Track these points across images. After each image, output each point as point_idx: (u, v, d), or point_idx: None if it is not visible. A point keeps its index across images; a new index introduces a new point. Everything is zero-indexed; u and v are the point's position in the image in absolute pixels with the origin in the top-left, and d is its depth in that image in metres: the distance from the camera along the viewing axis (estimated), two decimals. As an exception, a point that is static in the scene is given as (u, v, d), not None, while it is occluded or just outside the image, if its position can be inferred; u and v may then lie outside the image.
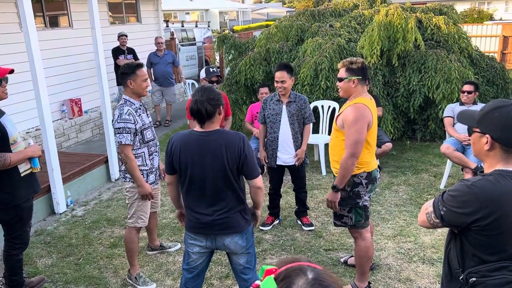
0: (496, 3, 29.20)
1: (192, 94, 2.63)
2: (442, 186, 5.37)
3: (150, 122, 3.56)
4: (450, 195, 1.76)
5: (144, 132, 3.46)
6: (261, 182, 2.65)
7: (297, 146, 4.32)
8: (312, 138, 5.65)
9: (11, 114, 3.42)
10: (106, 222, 4.79)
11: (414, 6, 8.17)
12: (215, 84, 4.35)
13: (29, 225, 3.39)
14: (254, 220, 2.85)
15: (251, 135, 5.79)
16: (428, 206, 1.87)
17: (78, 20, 7.99)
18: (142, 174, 3.50)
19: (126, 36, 8.35)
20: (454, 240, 1.85)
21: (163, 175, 3.78)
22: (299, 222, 4.58)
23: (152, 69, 8.73)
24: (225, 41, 8.52)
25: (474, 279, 1.74)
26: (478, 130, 1.78)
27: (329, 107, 6.20)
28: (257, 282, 0.95)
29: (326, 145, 5.96)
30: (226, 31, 12.18)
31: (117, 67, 8.17)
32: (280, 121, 4.28)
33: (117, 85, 8.28)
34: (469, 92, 5.27)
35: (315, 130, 6.24)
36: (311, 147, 6.25)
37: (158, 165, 3.68)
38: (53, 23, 7.73)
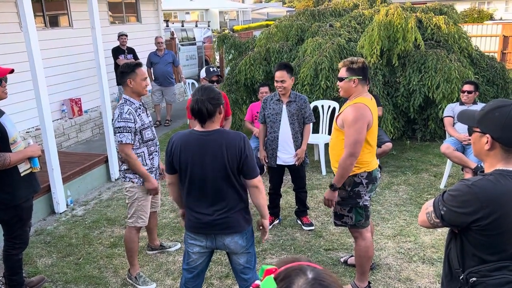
0: (496, 3, 29.20)
1: (192, 93, 2.63)
2: (442, 186, 5.37)
3: (150, 122, 3.55)
4: (451, 194, 1.76)
5: (143, 132, 3.45)
6: (259, 181, 2.64)
7: (297, 146, 4.32)
8: (312, 138, 5.65)
9: (11, 114, 3.42)
10: (106, 222, 4.79)
11: (414, 6, 8.17)
12: (215, 83, 4.35)
13: (29, 225, 3.39)
14: (262, 233, 2.81)
15: (251, 135, 5.79)
16: (428, 206, 1.87)
17: (78, 19, 7.99)
18: None
19: (126, 35, 8.35)
20: (454, 240, 1.85)
21: (163, 175, 3.78)
22: (299, 222, 4.58)
23: (152, 68, 8.73)
24: (225, 41, 8.52)
25: (474, 279, 1.74)
26: (478, 130, 1.78)
27: (329, 107, 6.20)
28: (257, 282, 0.95)
29: (326, 145, 5.96)
30: (226, 31, 12.17)
31: (117, 66, 8.16)
32: (280, 120, 4.28)
33: (117, 84, 8.27)
34: (469, 92, 5.26)
35: (315, 130, 6.24)
36: (311, 147, 6.25)
37: (158, 165, 3.68)
38: (53, 22, 7.73)
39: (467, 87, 5.30)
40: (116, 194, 5.52)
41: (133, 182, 3.50)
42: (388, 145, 5.45)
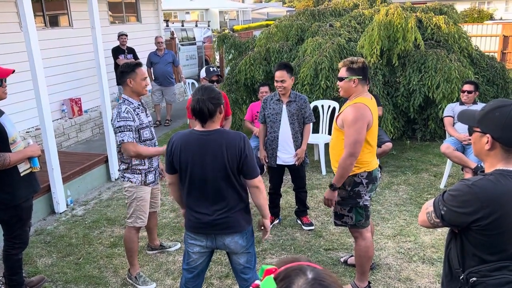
0: (496, 3, 29.20)
1: (193, 93, 2.63)
2: (442, 186, 5.37)
3: (149, 121, 3.55)
4: (451, 194, 1.76)
5: (141, 131, 3.45)
6: (259, 182, 2.64)
7: (297, 146, 4.32)
8: (312, 138, 5.65)
9: (11, 114, 3.42)
10: (106, 222, 4.79)
11: (414, 5, 8.17)
12: (215, 83, 4.34)
13: (29, 224, 3.39)
14: (264, 233, 2.82)
15: (251, 134, 5.79)
16: (428, 206, 1.87)
17: (78, 19, 7.99)
18: (140, 174, 3.50)
19: (126, 35, 8.35)
20: (454, 239, 1.85)
21: (162, 175, 3.78)
22: (299, 222, 4.57)
23: (152, 68, 8.73)
24: (225, 41, 8.51)
25: (474, 278, 1.74)
26: (478, 129, 1.78)
27: (329, 106, 6.19)
28: (257, 282, 0.95)
29: (326, 145, 5.96)
30: (226, 31, 12.17)
31: (117, 66, 8.16)
32: (280, 120, 4.27)
33: (117, 84, 8.26)
34: (469, 92, 5.26)
35: (315, 130, 6.24)
36: (311, 147, 6.25)
37: (158, 165, 3.68)
38: (53, 22, 7.73)
39: (467, 87, 5.30)
40: (116, 194, 5.52)
41: (131, 182, 3.49)
42: (388, 145, 5.45)
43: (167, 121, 9.05)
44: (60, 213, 5.03)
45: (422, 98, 6.44)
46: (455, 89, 6.14)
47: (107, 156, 5.93)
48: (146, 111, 3.56)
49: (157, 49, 8.70)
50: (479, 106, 5.06)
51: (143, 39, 9.77)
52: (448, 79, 6.23)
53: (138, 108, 3.46)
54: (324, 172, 5.94)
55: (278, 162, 4.39)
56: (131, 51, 8.44)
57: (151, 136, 3.55)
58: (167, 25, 13.36)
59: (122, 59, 8.09)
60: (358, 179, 3.15)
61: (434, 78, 6.32)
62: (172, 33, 12.32)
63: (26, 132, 6.78)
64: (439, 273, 3.59)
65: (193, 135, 2.58)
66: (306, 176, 4.69)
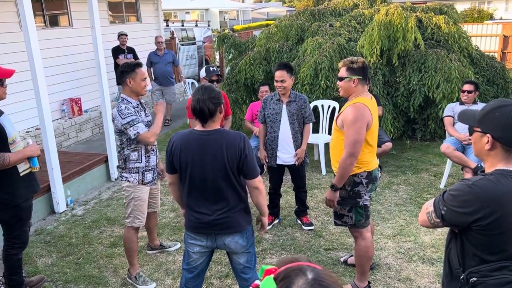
0: (496, 3, 29.20)
1: (193, 93, 2.63)
2: (442, 186, 5.36)
3: (149, 121, 3.55)
4: (451, 194, 1.76)
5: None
6: (259, 182, 2.64)
7: (297, 146, 4.32)
8: (312, 138, 5.65)
9: (11, 114, 3.42)
10: (106, 222, 4.79)
11: (414, 5, 8.16)
12: (215, 83, 4.34)
13: (29, 224, 3.39)
14: (261, 229, 2.85)
15: (251, 134, 5.79)
16: (428, 206, 1.87)
17: (78, 19, 7.99)
18: (137, 173, 3.50)
19: (126, 35, 8.35)
20: (454, 239, 1.85)
21: (162, 175, 3.78)
22: (299, 222, 4.57)
23: (152, 68, 8.72)
24: (225, 41, 8.51)
25: (474, 278, 1.74)
26: (479, 129, 1.78)
27: (329, 106, 6.19)
28: (257, 282, 0.95)
29: (326, 145, 5.96)
30: (226, 31, 12.17)
31: (117, 66, 8.16)
32: (280, 120, 4.27)
33: (117, 84, 8.25)
34: (469, 92, 5.26)
35: (315, 130, 6.24)
36: (311, 147, 6.25)
37: (156, 165, 3.66)
38: (53, 22, 7.72)
39: (467, 87, 5.30)
40: (116, 194, 5.52)
41: (129, 182, 3.49)
42: (388, 144, 5.45)
43: (167, 121, 9.05)
44: (60, 213, 5.03)
45: (422, 98, 6.44)
46: (455, 89, 6.14)
47: (107, 156, 5.93)
48: (145, 111, 3.56)
49: (157, 49, 8.69)
50: (479, 106, 5.06)
51: (143, 39, 9.77)
52: (448, 79, 6.23)
53: (137, 107, 3.47)
54: (324, 172, 5.94)
55: (278, 162, 4.38)
56: (131, 51, 8.44)
57: None
58: (167, 25, 13.36)
59: (122, 59, 8.09)
60: (358, 179, 3.15)
61: (434, 78, 6.32)
62: (172, 33, 12.32)
63: (26, 132, 6.77)
64: (439, 273, 3.59)
65: (193, 135, 2.58)
66: (306, 176, 4.69)
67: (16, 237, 3.28)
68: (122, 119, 3.32)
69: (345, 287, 3.40)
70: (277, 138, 4.32)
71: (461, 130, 5.13)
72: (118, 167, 3.58)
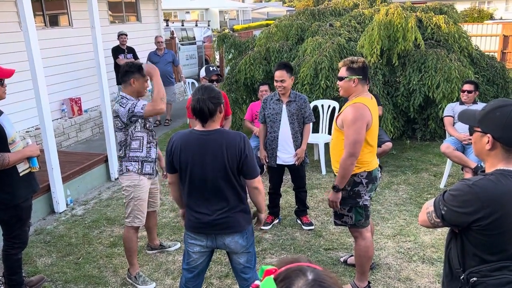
0: (496, 3, 29.19)
1: (193, 93, 2.63)
2: (442, 186, 5.36)
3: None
4: (451, 194, 1.76)
5: (146, 120, 3.50)
6: (259, 183, 2.64)
7: (297, 146, 4.32)
8: (312, 138, 5.64)
9: (10, 113, 3.42)
10: (105, 221, 4.79)
11: (414, 5, 8.16)
12: (215, 82, 4.35)
13: (28, 224, 3.39)
14: (257, 223, 2.88)
15: (251, 134, 5.79)
16: (428, 206, 1.86)
17: (78, 19, 7.98)
18: (137, 162, 3.50)
19: (126, 35, 8.34)
20: (454, 239, 1.84)
21: (165, 174, 3.78)
22: (299, 222, 4.57)
23: (152, 68, 8.70)
24: (225, 40, 8.51)
25: (475, 278, 1.74)
26: (479, 129, 1.78)
27: (329, 106, 6.19)
28: (257, 282, 0.95)
29: (326, 145, 5.96)
30: (226, 30, 12.18)
31: (117, 66, 8.16)
32: (280, 120, 4.27)
33: (117, 84, 8.27)
34: (469, 92, 5.26)
35: (315, 130, 6.24)
36: (311, 147, 6.24)
37: (155, 159, 3.66)
38: (53, 22, 7.72)
39: (467, 87, 5.30)
40: (116, 194, 5.52)
41: (128, 170, 3.48)
42: (388, 144, 5.44)
43: (167, 121, 9.05)
44: (60, 213, 5.03)
45: (422, 98, 6.44)
46: (455, 89, 6.14)
47: (107, 156, 5.93)
48: None
49: (157, 48, 8.69)
50: (479, 105, 5.06)
51: (143, 39, 9.76)
52: (448, 78, 6.23)
53: None
54: (324, 171, 5.94)
55: (278, 162, 4.38)
56: (131, 50, 8.44)
57: (151, 128, 3.60)
58: (167, 25, 13.36)
59: (122, 59, 8.08)
60: (358, 179, 3.15)
61: (434, 77, 6.32)
62: (172, 33, 12.32)
63: (26, 132, 6.77)
64: (439, 273, 3.59)
65: (193, 135, 2.58)
66: (306, 175, 4.68)
67: (15, 237, 3.28)
68: (124, 107, 3.35)
69: (345, 287, 3.40)
70: (277, 138, 4.31)
71: (461, 130, 5.13)
72: (119, 157, 3.58)
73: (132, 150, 3.48)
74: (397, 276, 3.64)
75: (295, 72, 6.26)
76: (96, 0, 5.53)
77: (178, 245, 4.21)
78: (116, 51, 8.26)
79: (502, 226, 1.68)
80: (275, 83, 4.21)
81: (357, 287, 3.38)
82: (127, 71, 3.43)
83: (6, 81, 3.20)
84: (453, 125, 5.32)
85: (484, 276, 1.73)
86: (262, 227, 4.44)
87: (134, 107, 3.34)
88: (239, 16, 40.84)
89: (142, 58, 8.56)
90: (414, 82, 6.46)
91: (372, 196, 3.41)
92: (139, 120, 3.43)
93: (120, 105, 3.38)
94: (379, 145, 5.14)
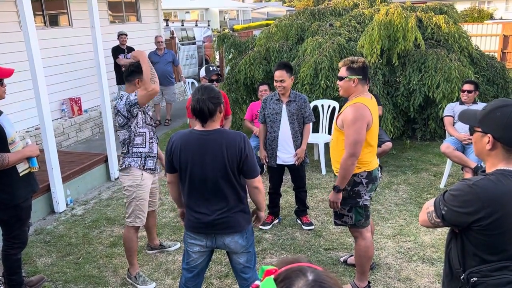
0: (496, 2, 29.19)
1: (192, 93, 2.63)
2: (442, 186, 5.36)
3: (151, 118, 3.64)
4: (452, 194, 1.76)
5: (146, 115, 3.53)
6: (259, 182, 2.65)
7: (297, 146, 4.31)
8: (312, 138, 5.64)
9: (10, 113, 3.42)
10: (105, 221, 4.78)
11: (414, 5, 8.16)
12: (215, 82, 4.34)
13: (28, 224, 3.39)
14: (256, 221, 2.88)
15: (251, 134, 5.79)
16: (429, 206, 1.86)
17: (78, 19, 7.98)
18: (140, 157, 3.52)
19: (126, 35, 8.34)
20: (455, 239, 1.84)
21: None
22: (299, 222, 4.57)
23: (152, 68, 8.70)
24: (225, 40, 8.51)
25: (475, 278, 1.74)
26: (480, 129, 1.78)
27: (329, 106, 6.19)
28: (257, 282, 0.95)
29: (326, 144, 5.96)
30: (226, 30, 12.19)
31: (117, 66, 8.17)
32: (280, 120, 4.27)
33: (117, 84, 8.27)
34: (469, 92, 5.26)
35: (315, 129, 6.23)
36: (311, 146, 6.24)
37: (157, 154, 3.68)
38: (53, 22, 7.72)
39: (467, 87, 5.30)
40: (116, 194, 5.52)
41: (130, 166, 3.48)
42: (388, 144, 5.44)
43: (167, 121, 9.05)
44: (60, 213, 5.03)
45: (422, 98, 6.44)
46: (455, 89, 6.14)
47: (106, 156, 5.93)
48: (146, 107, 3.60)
49: (157, 48, 8.69)
50: (479, 105, 5.06)
51: (143, 39, 9.76)
52: (448, 78, 6.23)
53: None
54: (324, 171, 5.94)
55: (278, 162, 4.38)
56: (131, 50, 8.41)
57: (153, 123, 3.63)
58: (167, 25, 13.35)
59: (122, 59, 8.08)
60: (358, 178, 3.14)
61: (434, 77, 6.31)
62: (172, 33, 12.31)
63: (26, 132, 6.77)
64: (439, 272, 3.59)
65: (193, 135, 2.58)
66: (306, 175, 4.68)
67: (15, 237, 3.28)
68: (122, 101, 3.39)
69: (345, 287, 3.40)
70: (277, 138, 4.31)
71: (461, 130, 5.13)
72: (121, 153, 3.59)
73: (135, 146, 3.50)
74: (397, 276, 3.64)
75: (295, 72, 6.26)
76: (96, 0, 5.53)
77: (178, 245, 4.21)
78: (116, 51, 8.26)
79: (503, 226, 1.68)
80: (275, 83, 4.21)
81: (357, 287, 3.37)
82: (133, 71, 3.44)
83: (6, 81, 3.20)
84: (453, 125, 5.32)
85: (484, 276, 1.73)
86: (262, 227, 4.44)
87: (130, 97, 3.37)
88: (239, 16, 40.83)
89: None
90: (414, 82, 6.45)
91: (372, 196, 3.41)
92: (140, 115, 3.43)
93: (119, 101, 3.42)
94: (379, 145, 5.13)
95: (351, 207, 3.20)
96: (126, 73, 3.49)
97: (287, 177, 4.98)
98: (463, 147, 5.07)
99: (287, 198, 5.12)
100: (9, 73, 3.13)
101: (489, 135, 1.74)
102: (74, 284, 3.68)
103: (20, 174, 3.16)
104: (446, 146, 5.04)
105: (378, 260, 3.84)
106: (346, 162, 3.02)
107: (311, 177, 5.79)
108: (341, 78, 3.13)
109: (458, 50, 6.95)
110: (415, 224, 4.42)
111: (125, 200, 3.61)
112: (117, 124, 3.51)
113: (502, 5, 29.04)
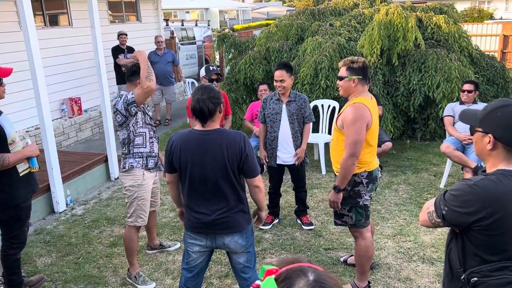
0: (496, 2, 29.19)
1: (192, 93, 2.62)
2: (442, 185, 5.36)
3: (151, 118, 3.64)
4: (452, 194, 1.76)
5: (146, 115, 3.53)
6: (259, 181, 2.65)
7: (297, 145, 4.31)
8: (312, 137, 5.64)
9: (10, 113, 3.42)
10: (105, 221, 4.78)
11: (414, 5, 8.16)
12: (214, 82, 4.34)
13: (27, 224, 3.39)
14: (258, 222, 2.89)
15: (251, 134, 5.79)
16: (429, 206, 1.86)
17: (78, 19, 7.98)
18: (141, 157, 3.52)
19: (126, 35, 8.34)
20: (455, 239, 1.84)
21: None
22: (299, 221, 4.57)
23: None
24: (225, 40, 8.51)
25: (475, 279, 1.74)
26: (480, 129, 1.78)
27: (329, 106, 6.19)
28: (258, 282, 0.95)
29: (326, 144, 5.96)
30: (226, 30, 12.18)
31: (116, 66, 8.16)
32: (280, 120, 4.27)
33: (117, 84, 8.27)
34: (469, 91, 5.26)
35: (315, 129, 6.23)
36: (311, 146, 6.24)
37: (158, 153, 3.68)
38: (53, 22, 7.71)
39: (467, 87, 5.30)
40: (116, 194, 5.52)
41: (132, 167, 3.48)
42: (388, 144, 5.44)
43: (167, 121, 9.05)
44: (60, 213, 5.03)
45: (422, 98, 6.44)
46: (455, 89, 6.14)
47: (106, 156, 5.92)
48: (146, 107, 3.60)
49: (157, 48, 8.69)
50: (479, 105, 5.06)
51: (143, 39, 9.75)
52: (448, 78, 6.22)
53: None
54: (324, 171, 5.94)
55: (278, 161, 4.38)
56: (131, 50, 8.41)
57: (152, 123, 3.63)
58: (167, 25, 13.34)
59: (121, 59, 8.08)
60: (358, 178, 3.14)
61: (434, 77, 6.31)
62: (172, 33, 12.31)
63: (26, 132, 6.77)
64: (439, 272, 3.59)
65: (193, 135, 2.58)
66: (306, 175, 4.68)
67: (14, 237, 3.28)
68: (120, 99, 3.40)
69: (345, 287, 3.39)
70: (277, 138, 4.31)
71: (461, 129, 5.13)
72: (122, 153, 3.59)
73: (136, 146, 3.50)
74: (397, 276, 3.63)
75: (295, 72, 6.26)
76: (96, 0, 5.53)
77: (178, 245, 4.21)
78: (116, 51, 8.26)
79: (503, 226, 1.67)
80: (275, 83, 4.21)
81: (357, 287, 3.37)
82: (135, 71, 3.45)
83: (6, 80, 3.20)
84: (453, 125, 5.32)
85: (485, 276, 1.73)
86: (262, 227, 4.44)
87: (127, 95, 3.38)
88: (239, 16, 40.83)
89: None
90: (414, 82, 6.45)
91: (372, 196, 3.41)
92: (139, 115, 3.43)
93: (118, 99, 3.43)
94: (379, 145, 5.13)
95: (351, 207, 3.20)
96: (128, 73, 3.50)
97: (287, 177, 4.98)
98: (463, 147, 5.07)
99: (287, 198, 5.12)
100: (8, 72, 3.12)
101: (490, 135, 1.73)
102: (74, 284, 3.68)
103: (20, 174, 3.16)
104: (446, 146, 5.04)
105: (378, 260, 3.84)
106: (346, 162, 3.02)
107: (311, 177, 5.78)
108: (341, 78, 3.13)
109: (458, 50, 6.95)
110: (415, 224, 4.42)
111: (126, 200, 3.61)
112: (116, 123, 3.51)
113: (502, 5, 29.05)
